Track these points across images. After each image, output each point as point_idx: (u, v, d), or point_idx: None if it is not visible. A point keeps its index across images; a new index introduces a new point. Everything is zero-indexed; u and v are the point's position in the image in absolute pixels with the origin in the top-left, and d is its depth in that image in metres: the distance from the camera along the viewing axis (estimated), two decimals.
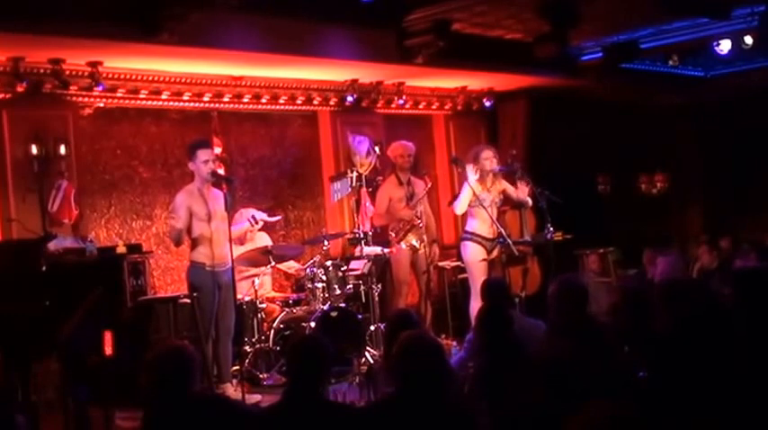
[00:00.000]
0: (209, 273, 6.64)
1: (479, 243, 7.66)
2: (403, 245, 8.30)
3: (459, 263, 8.46)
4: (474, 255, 7.66)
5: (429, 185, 8.47)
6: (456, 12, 8.04)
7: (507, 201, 8.14)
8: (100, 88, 7.48)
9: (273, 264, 7.71)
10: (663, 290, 4.59)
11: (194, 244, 6.69)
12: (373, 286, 7.87)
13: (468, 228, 7.78)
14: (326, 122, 9.40)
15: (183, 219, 6.53)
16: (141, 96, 7.98)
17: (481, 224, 7.68)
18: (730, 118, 12.20)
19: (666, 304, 4.25)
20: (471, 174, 7.69)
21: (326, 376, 3.80)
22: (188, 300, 7.08)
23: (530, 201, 8.04)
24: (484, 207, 7.56)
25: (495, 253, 7.75)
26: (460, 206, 7.76)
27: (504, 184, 7.94)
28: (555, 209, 7.83)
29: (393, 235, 8.34)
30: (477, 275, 7.56)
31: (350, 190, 8.51)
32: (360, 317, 7.59)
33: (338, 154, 9.32)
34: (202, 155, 6.64)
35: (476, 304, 7.01)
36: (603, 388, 3.46)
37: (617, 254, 10.71)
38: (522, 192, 7.92)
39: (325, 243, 7.86)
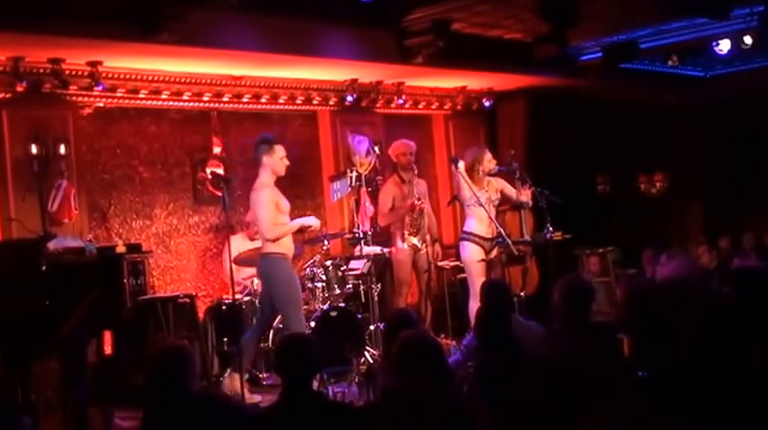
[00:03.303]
0: (288, 263, 6.69)
1: (477, 243, 7.64)
2: (405, 245, 8.30)
3: (458, 262, 8.46)
4: (472, 255, 7.64)
5: (416, 172, 8.45)
6: (456, 11, 8.04)
7: (506, 201, 8.14)
8: (100, 88, 7.48)
9: None
10: (668, 290, 4.59)
11: None
12: (373, 286, 7.87)
13: (465, 228, 7.77)
14: (326, 122, 9.40)
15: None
16: (141, 96, 7.98)
17: (479, 224, 7.66)
18: (730, 118, 12.20)
19: (672, 304, 4.25)
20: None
21: (316, 370, 3.85)
22: (187, 300, 7.10)
23: (530, 203, 8.03)
24: (482, 205, 7.55)
25: (494, 252, 7.74)
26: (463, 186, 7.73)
27: (503, 184, 7.93)
28: (555, 209, 7.83)
29: (407, 231, 8.31)
30: (476, 275, 7.55)
31: (349, 189, 8.51)
32: (359, 316, 7.60)
33: (338, 154, 9.32)
34: (280, 150, 6.75)
35: (475, 304, 7.01)
36: (604, 388, 3.45)
37: (616, 254, 10.71)
38: (525, 194, 7.87)
39: (325, 243, 7.86)
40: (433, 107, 10.30)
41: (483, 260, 7.63)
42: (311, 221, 6.91)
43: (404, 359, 3.50)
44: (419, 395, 2.87)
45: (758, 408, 3.23)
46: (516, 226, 8.23)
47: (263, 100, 8.81)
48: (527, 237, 8.16)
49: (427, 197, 8.59)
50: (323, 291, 7.47)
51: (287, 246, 6.67)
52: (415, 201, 8.21)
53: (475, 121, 10.61)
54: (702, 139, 12.86)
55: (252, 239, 8.02)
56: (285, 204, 6.72)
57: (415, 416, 2.78)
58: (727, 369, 3.38)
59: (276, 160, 6.71)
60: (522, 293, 8.14)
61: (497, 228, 7.58)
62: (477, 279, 7.45)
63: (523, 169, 8.16)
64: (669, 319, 4.08)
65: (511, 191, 7.96)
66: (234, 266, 6.85)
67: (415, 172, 8.42)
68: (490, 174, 7.78)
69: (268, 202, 6.60)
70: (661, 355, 3.77)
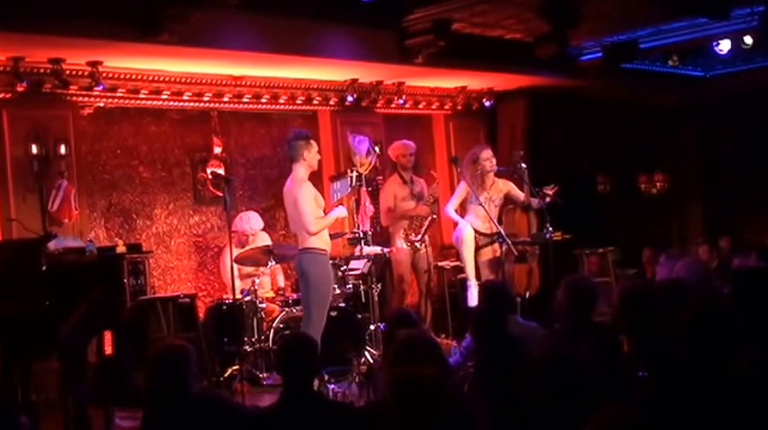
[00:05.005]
0: (327, 260, 6.70)
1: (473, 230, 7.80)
2: (404, 245, 8.31)
3: (458, 262, 8.47)
4: (467, 234, 7.77)
5: (438, 181, 8.60)
6: (456, 11, 8.04)
7: (512, 202, 8.15)
8: (100, 88, 7.49)
9: (273, 263, 7.71)
10: (665, 290, 4.59)
11: None
12: (373, 286, 7.87)
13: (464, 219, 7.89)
14: (326, 122, 9.39)
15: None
16: (141, 96, 7.98)
17: (475, 219, 7.76)
18: (730, 118, 12.20)
19: (667, 304, 4.25)
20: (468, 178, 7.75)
21: (317, 370, 3.85)
22: (187, 300, 7.07)
23: (546, 202, 7.99)
24: (481, 204, 7.58)
25: (488, 251, 7.79)
26: (452, 203, 7.87)
27: (510, 186, 7.95)
28: (555, 209, 7.83)
29: (414, 235, 8.33)
30: (467, 255, 7.67)
31: (350, 189, 8.49)
32: (359, 316, 7.60)
33: (338, 154, 9.32)
34: (315, 145, 6.80)
35: (471, 295, 7.16)
36: (604, 389, 3.46)
37: (617, 254, 10.71)
38: (545, 194, 7.83)
39: None
40: (434, 107, 10.30)
41: (476, 244, 7.77)
42: (343, 212, 6.95)
43: (401, 357, 3.51)
44: (432, 380, 2.84)
45: (757, 408, 3.23)
46: (524, 226, 8.25)
47: (264, 100, 8.81)
48: (527, 238, 8.18)
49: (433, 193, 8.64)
50: None
51: (327, 242, 6.70)
52: (434, 216, 8.31)
53: (475, 121, 10.61)
54: (702, 139, 12.86)
55: (242, 246, 7.99)
56: (320, 199, 6.78)
57: (428, 401, 2.76)
58: (727, 369, 3.38)
59: (313, 155, 6.73)
60: (526, 294, 8.14)
61: (498, 227, 7.60)
62: (467, 253, 7.59)
63: (530, 171, 8.15)
64: (664, 320, 4.08)
65: (518, 193, 7.98)
66: (236, 266, 6.84)
67: (438, 182, 8.58)
68: (496, 176, 7.84)
69: (310, 197, 6.63)
70: (657, 356, 3.76)
